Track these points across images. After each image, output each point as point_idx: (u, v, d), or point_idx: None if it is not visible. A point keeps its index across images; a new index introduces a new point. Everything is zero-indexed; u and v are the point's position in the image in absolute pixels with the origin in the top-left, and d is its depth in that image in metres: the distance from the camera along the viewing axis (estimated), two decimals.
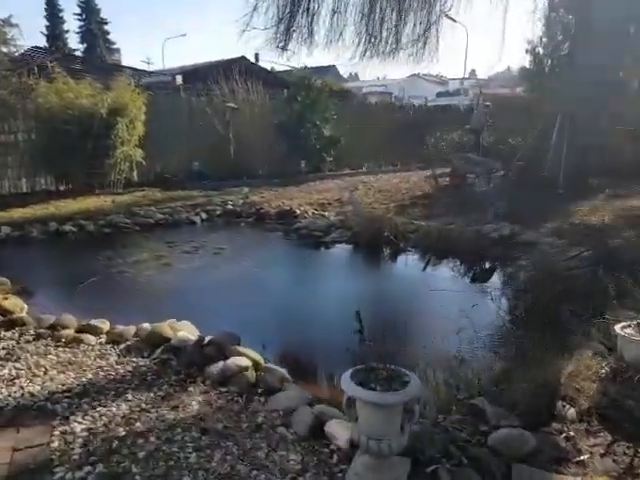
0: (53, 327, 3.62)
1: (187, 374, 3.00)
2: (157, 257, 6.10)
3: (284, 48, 11.10)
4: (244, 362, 2.99)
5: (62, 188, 9.93)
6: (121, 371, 3.05)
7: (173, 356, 3.22)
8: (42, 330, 3.56)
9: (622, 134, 11.16)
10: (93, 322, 3.62)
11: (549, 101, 10.57)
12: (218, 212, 8.39)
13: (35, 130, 9.29)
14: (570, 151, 9.23)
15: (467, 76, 55.80)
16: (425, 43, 11.55)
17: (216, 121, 11.43)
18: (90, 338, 3.47)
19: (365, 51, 11.51)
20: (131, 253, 6.27)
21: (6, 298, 4.13)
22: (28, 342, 3.42)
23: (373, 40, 11.30)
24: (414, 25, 11.22)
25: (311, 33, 10.82)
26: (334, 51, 11.43)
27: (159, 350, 3.28)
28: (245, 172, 11.47)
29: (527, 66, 13.22)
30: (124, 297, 4.86)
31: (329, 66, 27.14)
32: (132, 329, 3.58)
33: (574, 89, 9.18)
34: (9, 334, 3.53)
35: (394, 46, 11.76)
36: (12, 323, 3.66)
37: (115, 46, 36.11)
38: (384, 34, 11.38)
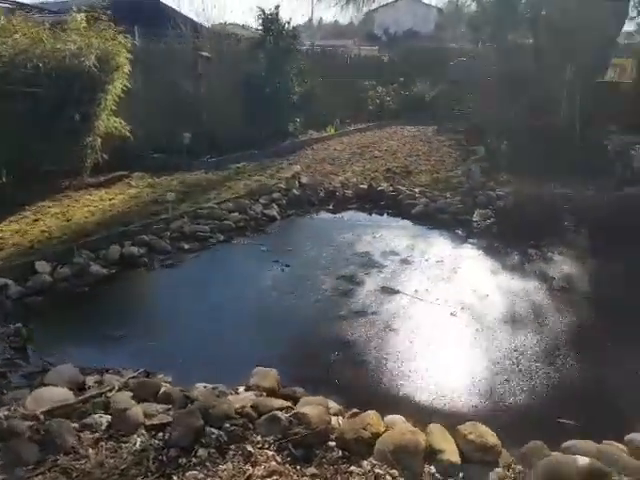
0: None
1: None
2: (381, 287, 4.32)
3: None
4: None
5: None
6: None
7: None
8: None
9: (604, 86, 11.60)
10: None
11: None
12: (284, 201, 6.47)
13: None
14: (582, 103, 9.48)
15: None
16: None
17: (181, 76, 8.74)
18: None
19: None
20: (309, 281, 4.34)
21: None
22: None
23: None
24: None
25: None
26: None
27: None
28: (219, 141, 9.16)
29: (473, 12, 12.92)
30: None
31: None
32: None
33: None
34: None
35: None
36: None
37: None
38: None
